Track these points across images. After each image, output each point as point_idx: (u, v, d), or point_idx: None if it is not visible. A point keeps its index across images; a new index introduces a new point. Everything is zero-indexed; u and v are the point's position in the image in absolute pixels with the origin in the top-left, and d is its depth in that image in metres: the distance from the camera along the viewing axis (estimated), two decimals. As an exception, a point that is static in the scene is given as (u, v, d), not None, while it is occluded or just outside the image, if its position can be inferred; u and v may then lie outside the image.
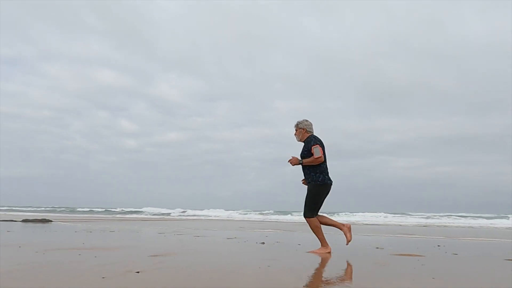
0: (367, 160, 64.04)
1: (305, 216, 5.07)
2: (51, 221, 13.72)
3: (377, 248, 5.89)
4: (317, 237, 5.09)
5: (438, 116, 60.61)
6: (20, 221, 13.05)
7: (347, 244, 5.13)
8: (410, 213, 32.15)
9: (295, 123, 5.30)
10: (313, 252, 5.06)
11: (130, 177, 73.05)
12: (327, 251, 5.04)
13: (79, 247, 4.92)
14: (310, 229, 5.08)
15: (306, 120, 5.28)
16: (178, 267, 3.38)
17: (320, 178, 5.01)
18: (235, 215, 32.39)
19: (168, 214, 35.34)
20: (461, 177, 58.19)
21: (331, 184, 5.09)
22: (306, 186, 5.14)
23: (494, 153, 51.83)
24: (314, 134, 5.25)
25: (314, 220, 5.03)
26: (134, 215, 31.73)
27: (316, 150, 4.97)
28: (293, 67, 67.62)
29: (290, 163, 5.10)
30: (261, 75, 70.22)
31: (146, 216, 28.81)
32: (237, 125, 72.32)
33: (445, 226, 18.41)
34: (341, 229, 5.15)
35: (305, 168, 5.12)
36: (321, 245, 5.10)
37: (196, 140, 71.63)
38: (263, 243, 6.32)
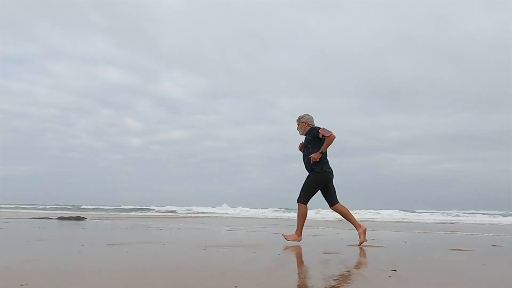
0: (372, 158, 64.22)
1: (298, 200, 5.25)
2: (86, 218, 13.76)
3: (494, 245, 5.85)
4: (298, 223, 5.30)
5: (444, 112, 60.76)
6: (56, 219, 13.06)
7: (359, 244, 5.20)
8: (417, 210, 32.07)
9: (297, 118, 5.54)
10: (285, 236, 5.37)
11: (135, 175, 73.14)
12: (298, 239, 5.30)
13: (206, 245, 4.94)
14: (297, 215, 5.30)
15: (308, 114, 5.52)
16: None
17: (319, 167, 5.19)
18: (253, 212, 32.57)
19: (191, 212, 35.03)
20: (467, 174, 58.37)
21: (331, 172, 5.26)
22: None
23: (500, 149, 51.78)
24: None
25: (304, 207, 5.24)
26: (151, 213, 31.63)
27: (325, 130, 5.14)
28: (297, 64, 67.67)
29: (315, 159, 5.16)
30: (264, 72, 70.24)
31: (175, 214, 28.63)
32: (241, 123, 72.41)
33: (471, 223, 18.49)
34: (356, 229, 5.28)
35: (305, 158, 5.32)
36: (296, 232, 5.33)
37: (200, 138, 71.69)
38: (340, 239, 6.36)
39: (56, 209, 42.45)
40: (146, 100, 73.76)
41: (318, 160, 5.15)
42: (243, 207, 38.38)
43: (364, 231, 5.25)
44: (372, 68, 63.81)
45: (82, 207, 46.57)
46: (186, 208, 39.49)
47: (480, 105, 58.97)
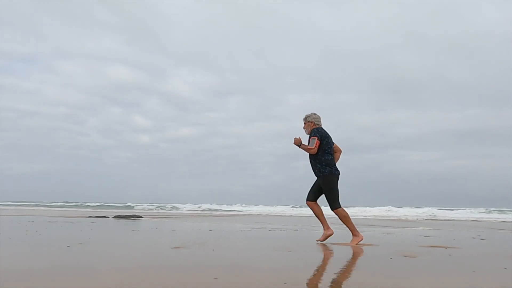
0: (381, 154, 64.46)
1: (332, 209, 5.27)
2: (141, 217, 14.15)
3: None
4: (348, 227, 5.27)
5: (454, 108, 60.93)
6: (113, 218, 13.45)
7: (349, 244, 5.19)
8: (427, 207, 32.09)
9: (304, 117, 5.56)
10: (350, 244, 5.18)
11: (144, 172, 73.57)
12: (359, 240, 5.24)
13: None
14: (340, 220, 5.28)
15: (314, 114, 5.52)
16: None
17: (327, 170, 5.24)
18: (272, 209, 32.87)
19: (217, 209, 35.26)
20: (477, 171, 58.33)
21: (338, 175, 5.32)
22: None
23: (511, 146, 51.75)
24: (322, 127, 5.50)
25: (341, 210, 5.25)
26: (178, 211, 31.90)
27: (312, 142, 5.23)
28: (305, 60, 67.85)
29: (294, 141, 5.39)
30: (272, 68, 70.39)
31: (212, 212, 28.78)
32: (249, 120, 72.68)
33: (503, 221, 18.76)
34: (352, 235, 5.29)
35: (311, 159, 5.39)
36: (353, 234, 5.29)
37: (209, 135, 72.05)
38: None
39: (68, 205, 42.82)
40: (155, 98, 74.13)
41: (295, 143, 5.40)
42: (256, 205, 38.69)
43: (360, 239, 5.26)
44: (381, 64, 63.92)
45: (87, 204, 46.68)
46: (209, 205, 39.55)
47: (491, 101, 58.92)
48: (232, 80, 71.86)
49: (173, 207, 39.06)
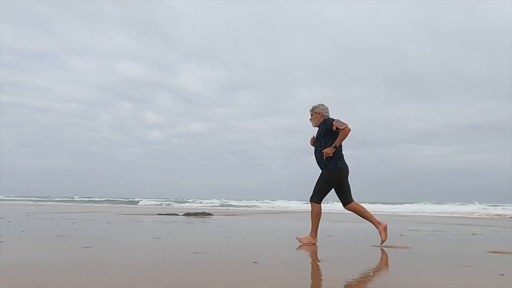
0: (393, 149, 64.51)
1: (311, 199, 4.88)
2: (212, 214, 14.00)
3: None
4: (312, 224, 4.90)
5: (468, 102, 60.90)
6: (183, 215, 13.29)
7: (381, 244, 4.86)
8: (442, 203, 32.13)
9: (311, 108, 5.15)
10: (299, 239, 4.97)
11: (156, 168, 73.51)
12: (313, 241, 4.89)
13: None
14: (310, 215, 4.92)
15: (322, 105, 5.12)
16: None
17: (332, 163, 4.80)
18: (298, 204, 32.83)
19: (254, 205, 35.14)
20: (492, 166, 58.35)
21: (346, 168, 4.87)
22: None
23: None
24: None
25: (318, 206, 4.87)
26: (237, 208, 31.80)
27: (339, 122, 4.77)
28: (314, 54, 67.75)
29: (328, 154, 4.76)
30: (282, 63, 70.29)
31: (272, 209, 28.79)
32: (259, 115, 72.72)
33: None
34: (376, 227, 4.94)
35: (316, 152, 4.97)
36: (310, 233, 4.93)
37: (219, 130, 72.08)
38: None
39: (80, 201, 42.70)
40: (165, 93, 74.01)
41: (331, 155, 4.76)
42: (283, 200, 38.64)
43: (385, 229, 4.91)
44: (393, 57, 63.77)
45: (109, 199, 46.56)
46: (246, 202, 39.29)
47: (505, 95, 58.49)
48: (242, 75, 71.84)
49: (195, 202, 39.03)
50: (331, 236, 6.04)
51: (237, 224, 9.03)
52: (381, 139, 64.63)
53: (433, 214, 20.65)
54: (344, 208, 4.98)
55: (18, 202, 36.77)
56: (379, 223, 4.93)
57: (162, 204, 36.65)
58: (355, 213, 4.92)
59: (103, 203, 37.66)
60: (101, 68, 70.35)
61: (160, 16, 67.88)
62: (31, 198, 47.87)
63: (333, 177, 4.79)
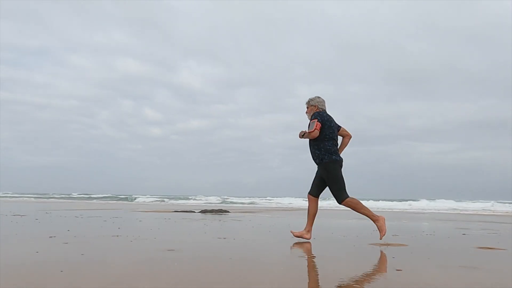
0: (392, 146, 64.63)
1: (340, 201, 4.67)
2: (228, 211, 13.90)
3: None
4: (365, 213, 4.69)
5: (468, 99, 61.13)
6: (199, 212, 13.20)
7: (380, 239, 4.72)
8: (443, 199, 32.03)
9: (307, 100, 5.09)
10: (381, 237, 4.69)
11: (156, 165, 73.38)
12: (382, 223, 4.68)
13: None
14: (353, 210, 4.72)
15: (318, 97, 5.04)
16: None
17: (327, 157, 4.73)
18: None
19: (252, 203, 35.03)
20: (492, 163, 58.55)
21: (341, 160, 4.79)
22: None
23: None
24: (326, 111, 5.00)
25: (350, 199, 4.67)
26: (252, 205, 31.72)
27: (312, 125, 4.72)
28: (314, 51, 67.73)
29: (299, 134, 4.90)
30: (282, 60, 70.19)
31: (291, 206, 28.80)
32: (259, 112, 72.68)
33: None
34: (374, 222, 4.73)
35: (310, 146, 4.91)
36: (372, 220, 4.72)
37: (219, 127, 71.96)
38: None
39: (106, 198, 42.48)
40: (164, 90, 73.74)
41: (301, 136, 4.87)
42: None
43: (384, 221, 4.71)
44: (393, 54, 63.79)
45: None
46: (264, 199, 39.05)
47: (505, 91, 58.78)
48: (241, 72, 71.73)
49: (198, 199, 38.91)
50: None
51: (269, 221, 8.94)
52: (381, 136, 64.83)
53: (462, 212, 20.66)
54: (308, 195, 4.95)
55: (18, 199, 36.49)
56: (378, 216, 4.75)
57: (163, 201, 36.39)
58: (311, 207, 4.91)
59: (100, 200, 37.46)
60: (101, 65, 70.14)
61: (159, 13, 67.61)
62: (30, 195, 47.53)
63: (336, 169, 4.71)
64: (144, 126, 75.57)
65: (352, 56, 69.26)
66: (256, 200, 37.28)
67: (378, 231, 4.73)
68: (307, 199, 5.00)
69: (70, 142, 74.04)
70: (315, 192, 4.92)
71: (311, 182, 4.97)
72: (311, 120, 4.81)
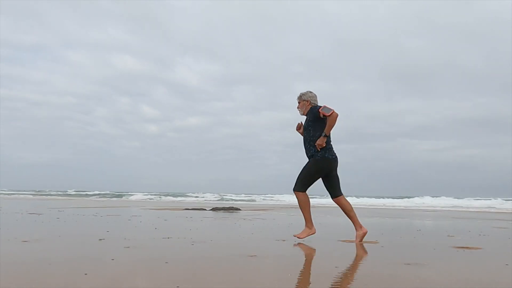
0: (390, 143, 64.78)
1: (294, 189, 4.65)
2: (240, 209, 13.72)
3: None
4: (303, 214, 4.69)
5: (465, 96, 61.41)
6: (210, 210, 13.03)
7: (355, 242, 4.60)
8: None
9: (298, 95, 4.90)
10: (297, 236, 4.66)
11: (153, 162, 72.99)
12: (311, 232, 4.68)
13: None
14: (299, 205, 4.68)
15: (310, 92, 4.87)
16: None
17: (320, 154, 4.56)
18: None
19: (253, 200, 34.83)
20: (489, 160, 58.86)
21: (334, 159, 4.63)
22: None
23: None
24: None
25: (303, 194, 4.63)
26: (266, 202, 31.51)
27: (326, 108, 4.53)
28: (312, 48, 67.58)
29: (320, 146, 4.54)
30: (279, 57, 70.02)
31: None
32: (256, 109, 72.47)
33: None
34: (356, 229, 4.68)
35: (306, 142, 4.74)
36: (305, 225, 4.69)
37: (216, 124, 71.70)
38: None
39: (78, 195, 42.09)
40: (162, 87, 73.29)
41: (324, 145, 4.55)
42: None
43: (364, 235, 4.65)
44: (391, 51, 63.88)
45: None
46: (263, 196, 38.78)
47: (503, 89, 59.15)
48: (239, 69, 71.45)
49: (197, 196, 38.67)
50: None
51: (293, 219, 8.72)
52: (378, 133, 64.91)
53: (468, 209, 20.65)
54: (333, 201, 4.78)
55: (16, 196, 36.05)
56: (361, 227, 4.68)
57: (159, 198, 36.02)
58: (341, 208, 4.71)
59: (99, 197, 37.08)
60: (97, 62, 69.44)
61: (156, 9, 67.06)
62: (26, 193, 46.99)
63: (319, 167, 4.56)
64: (141, 123, 75.24)
65: (349, 53, 69.27)
66: (255, 197, 37.16)
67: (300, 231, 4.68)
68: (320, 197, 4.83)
69: (67, 139, 73.49)
70: (335, 192, 4.72)
71: (327, 189, 4.77)
72: (317, 109, 4.57)
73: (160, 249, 3.76)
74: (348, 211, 4.66)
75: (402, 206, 23.24)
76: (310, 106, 4.75)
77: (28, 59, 69.61)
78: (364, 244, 4.42)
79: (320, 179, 4.71)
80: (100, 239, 4.33)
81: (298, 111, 4.89)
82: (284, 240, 4.71)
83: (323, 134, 4.49)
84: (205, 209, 13.36)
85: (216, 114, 73.30)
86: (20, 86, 69.82)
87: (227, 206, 14.28)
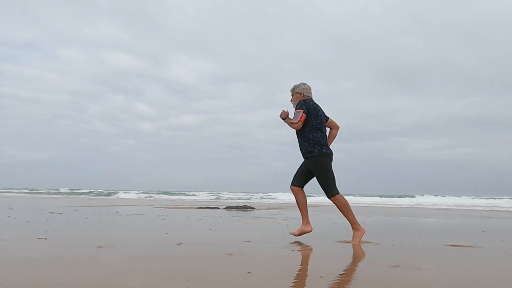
0: (385, 142, 65.14)
1: (330, 196, 4.40)
2: (254, 208, 13.71)
3: None
4: (348, 218, 4.43)
5: (459, 95, 61.96)
6: (224, 209, 13.02)
7: (349, 242, 4.42)
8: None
9: (291, 87, 4.76)
10: (351, 242, 4.39)
11: (147, 160, 72.61)
12: (360, 234, 4.43)
13: None
14: (339, 210, 4.45)
15: (304, 84, 4.71)
16: None
17: (317, 149, 4.42)
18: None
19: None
20: (482, 159, 59.49)
21: (332, 154, 4.51)
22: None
23: None
24: (312, 99, 4.68)
25: (340, 196, 4.41)
26: (277, 201, 31.39)
27: (296, 115, 4.44)
28: (307, 46, 67.66)
29: (280, 114, 4.60)
30: (274, 54, 70.00)
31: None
32: (252, 107, 72.44)
33: None
34: (353, 229, 4.47)
35: (298, 138, 4.61)
36: (352, 227, 4.45)
37: (211, 123, 71.54)
38: None
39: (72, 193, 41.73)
40: (156, 85, 72.88)
41: (280, 117, 4.59)
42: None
43: (362, 233, 4.48)
44: (385, 50, 64.22)
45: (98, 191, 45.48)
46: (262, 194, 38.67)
47: (494, 87, 59.81)
48: (234, 67, 71.34)
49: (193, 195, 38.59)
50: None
51: (321, 218, 8.56)
52: (373, 132, 65.31)
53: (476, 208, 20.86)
54: (290, 188, 4.69)
55: (10, 194, 35.54)
56: (359, 226, 4.50)
57: (150, 196, 35.74)
58: (299, 198, 4.62)
59: (86, 195, 36.82)
60: (91, 59, 68.82)
61: (151, 6, 66.50)
62: (17, 191, 46.51)
63: (326, 163, 4.42)
64: (136, 121, 74.75)
65: (344, 52, 69.55)
66: (251, 196, 37.10)
67: (353, 235, 4.47)
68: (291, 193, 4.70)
69: (60, 137, 72.77)
70: (298, 182, 4.64)
71: (293, 175, 4.70)
72: (296, 109, 4.50)
73: (249, 249, 3.70)
74: (304, 203, 4.61)
75: (404, 205, 23.49)
76: (303, 99, 4.59)
77: (21, 56, 68.88)
78: (362, 245, 4.24)
79: (300, 170, 4.64)
80: (179, 244, 4.03)
81: (292, 104, 4.74)
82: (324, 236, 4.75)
83: (284, 117, 4.55)
84: (219, 208, 13.39)
85: (211, 112, 73.23)
86: (12, 83, 69.03)
87: (241, 205, 14.24)
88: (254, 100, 74.49)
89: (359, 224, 4.46)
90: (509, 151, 54.40)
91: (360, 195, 32.45)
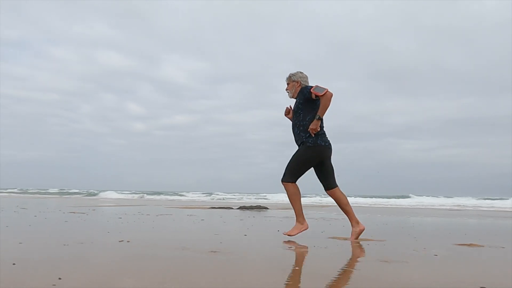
0: (375, 143, 65.41)
1: (282, 180, 4.23)
2: (268, 208, 13.48)
3: None
4: (294, 208, 4.25)
5: (450, 97, 62.50)
6: (237, 209, 12.82)
7: (350, 239, 4.24)
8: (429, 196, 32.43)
9: (287, 76, 4.48)
10: (288, 233, 4.26)
11: (138, 160, 71.93)
12: (303, 228, 4.27)
13: None
14: (287, 197, 4.29)
15: (301, 72, 4.46)
16: None
17: (311, 140, 4.12)
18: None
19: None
20: (472, 160, 60.21)
21: (327, 147, 4.19)
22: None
23: (507, 135, 52.49)
24: None
25: (292, 186, 4.19)
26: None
27: (318, 88, 4.10)
28: (299, 46, 67.44)
29: (314, 130, 4.11)
30: (266, 55, 69.78)
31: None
32: (244, 108, 72.23)
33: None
34: (352, 225, 4.29)
35: (295, 128, 4.30)
36: (296, 220, 4.28)
37: (203, 123, 71.21)
38: None
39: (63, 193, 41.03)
40: (148, 84, 72.23)
41: (319, 129, 4.11)
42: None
43: (360, 232, 4.26)
44: (376, 51, 64.44)
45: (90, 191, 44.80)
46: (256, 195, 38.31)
47: (485, 89, 60.63)
48: (226, 67, 71.01)
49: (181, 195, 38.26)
50: None
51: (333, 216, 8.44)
52: (364, 133, 65.46)
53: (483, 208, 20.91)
54: (326, 193, 4.36)
55: (5, 194, 34.79)
56: (358, 223, 4.28)
57: (142, 196, 35.23)
58: (336, 202, 4.29)
59: (75, 195, 36.25)
60: (82, 58, 67.61)
61: (142, 5, 65.60)
62: (7, 191, 45.62)
63: (310, 155, 4.13)
64: (127, 121, 73.94)
65: (336, 53, 69.65)
66: (244, 196, 36.91)
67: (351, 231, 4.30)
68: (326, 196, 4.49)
69: (50, 136, 71.61)
70: (329, 184, 4.28)
71: (320, 180, 4.34)
72: (308, 90, 4.15)
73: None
74: (343, 205, 4.24)
75: (404, 205, 23.48)
76: (300, 88, 4.33)
77: (10, 54, 67.38)
78: (361, 242, 4.08)
79: (327, 171, 4.28)
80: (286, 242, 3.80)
81: (287, 94, 4.46)
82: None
83: (317, 117, 4.04)
84: (232, 208, 13.24)
85: (204, 112, 72.69)
86: (1, 82, 67.58)
87: (255, 205, 14.03)
88: (246, 101, 74.31)
89: (303, 218, 4.29)
90: (500, 151, 55.51)
91: (354, 196, 32.38)
